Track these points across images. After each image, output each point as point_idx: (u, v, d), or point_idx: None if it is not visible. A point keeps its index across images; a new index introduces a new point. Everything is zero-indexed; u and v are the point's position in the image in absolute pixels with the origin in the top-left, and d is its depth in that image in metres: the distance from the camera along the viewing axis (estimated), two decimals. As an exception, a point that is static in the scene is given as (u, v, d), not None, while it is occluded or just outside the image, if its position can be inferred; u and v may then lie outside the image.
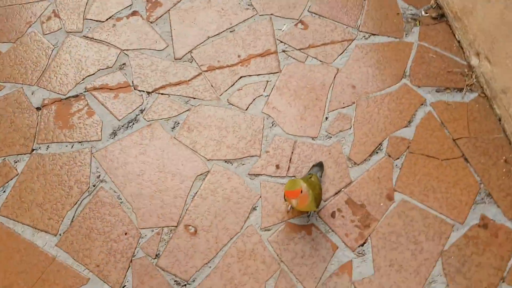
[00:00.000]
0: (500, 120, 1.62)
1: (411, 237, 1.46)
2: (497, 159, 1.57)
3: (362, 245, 1.46)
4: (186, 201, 1.56)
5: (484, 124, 1.63)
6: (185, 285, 1.43)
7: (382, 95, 1.72)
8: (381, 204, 1.52)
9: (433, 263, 1.42)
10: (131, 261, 1.47)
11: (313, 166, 1.54)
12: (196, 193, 1.57)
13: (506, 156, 1.57)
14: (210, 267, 1.45)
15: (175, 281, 1.44)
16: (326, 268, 1.43)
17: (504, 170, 1.54)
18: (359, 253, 1.45)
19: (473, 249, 1.43)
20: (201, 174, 1.60)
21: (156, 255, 1.48)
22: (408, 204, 1.51)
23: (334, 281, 1.41)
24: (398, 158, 1.60)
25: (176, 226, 1.52)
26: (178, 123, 1.70)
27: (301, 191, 1.25)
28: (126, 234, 1.51)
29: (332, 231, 1.49)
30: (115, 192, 1.57)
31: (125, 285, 1.43)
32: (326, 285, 1.40)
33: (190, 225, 1.51)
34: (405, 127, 1.66)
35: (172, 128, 1.69)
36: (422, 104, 1.68)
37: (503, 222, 1.46)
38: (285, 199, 1.42)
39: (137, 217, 1.53)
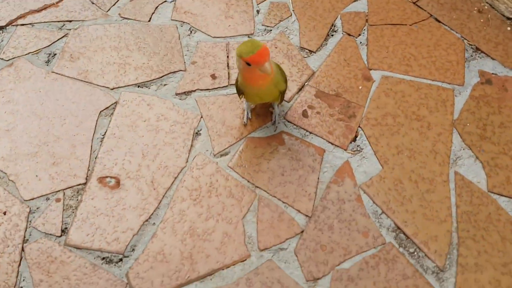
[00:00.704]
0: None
1: (411, 113, 1.09)
2: (469, 11, 1.28)
3: (354, 139, 1.06)
4: (92, 146, 1.02)
5: (439, -18, 1.36)
6: (121, 259, 0.89)
7: (316, -26, 1.36)
8: (360, 87, 1.13)
9: (448, 136, 1.06)
10: (22, 249, 0.89)
11: None
12: (105, 133, 1.04)
13: (478, 6, 1.29)
14: (154, 223, 0.93)
15: (102, 258, 0.89)
16: (318, 178, 0.99)
17: (481, 20, 1.26)
18: (354, 150, 1.04)
19: (487, 109, 1.10)
20: (106, 108, 1.08)
21: (63, 230, 0.92)
22: (391, 79, 1.15)
23: (334, 191, 0.98)
24: (360, 35, 1.24)
25: (84, 183, 0.97)
26: (54, 54, 1.16)
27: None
28: (5, 213, 0.93)
29: (310, 133, 1.06)
30: (-29, 158, 0.98)
31: (22, 287, 0.85)
32: (326, 199, 0.97)
33: (107, 177, 0.98)
34: (355, 1, 1.31)
35: (46, 62, 1.15)
36: (365, -24, 1.36)
37: (506, 73, 1.16)
38: (238, 91, 0.96)
39: (18, 186, 0.96)
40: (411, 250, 0.92)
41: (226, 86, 1.13)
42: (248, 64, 0.83)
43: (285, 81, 0.96)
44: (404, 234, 0.94)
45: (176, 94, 1.11)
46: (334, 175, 1.00)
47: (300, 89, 1.13)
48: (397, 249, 0.92)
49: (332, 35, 1.24)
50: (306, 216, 0.95)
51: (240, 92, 0.96)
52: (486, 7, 1.29)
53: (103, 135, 1.04)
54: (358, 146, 1.05)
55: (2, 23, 1.22)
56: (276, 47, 1.20)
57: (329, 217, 0.95)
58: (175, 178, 0.99)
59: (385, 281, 0.88)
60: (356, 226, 0.94)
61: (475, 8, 1.29)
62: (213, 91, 1.12)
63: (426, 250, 0.92)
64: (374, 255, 0.91)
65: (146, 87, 1.13)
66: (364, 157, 1.03)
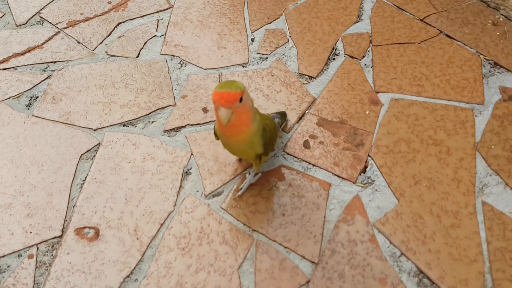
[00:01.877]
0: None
1: (427, 138, 0.97)
2: (482, 25, 1.17)
3: (364, 170, 0.93)
4: (70, 194, 0.92)
5: (446, -2, 1.26)
6: (97, 323, 0.76)
7: (313, -1, 1.28)
8: (367, 112, 1.02)
9: (472, 161, 0.93)
10: (-16, 316, 0.77)
11: (273, 113, 0.98)
12: (86, 178, 0.94)
13: (492, 19, 1.18)
14: (136, 279, 0.81)
15: (76, 323, 0.76)
16: (325, 217, 0.87)
17: (497, 33, 1.15)
18: (365, 182, 0.92)
19: (513, 127, 0.97)
20: (88, 151, 0.99)
21: (33, 291, 0.80)
22: (401, 101, 1.03)
23: (344, 231, 0.84)
24: (364, 56, 1.13)
25: (60, 236, 0.86)
26: (36, 96, 1.09)
27: (241, 99, 0.69)
28: (-32, 275, 0.82)
29: (314, 165, 0.94)
30: None
31: None
32: (335, 241, 0.83)
33: (85, 227, 0.87)
34: (356, 22, 1.21)
35: (27, 106, 1.08)
36: (365, -3, 1.28)
37: (530, 87, 1.03)
38: (215, 133, 0.83)
39: (-13, 242, 0.86)
40: (439, 298, 0.77)
41: (219, 119, 1.03)
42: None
43: (267, 146, 0.79)
44: (429, 278, 0.79)
45: (165, 131, 1.02)
46: (342, 212, 0.87)
47: (300, 118, 1.02)
48: (422, 298, 0.77)
49: (334, 59, 1.14)
50: (312, 262, 0.81)
51: (216, 135, 0.83)
52: (501, 19, 1.18)
53: (83, 181, 0.94)
54: (368, 177, 0.92)
55: (-16, 68, 1.16)
56: (272, 75, 1.10)
57: (339, 262, 0.81)
58: (161, 224, 0.87)
59: (410, 339, 0.73)
60: (371, 272, 0.80)
61: (489, 21, 1.18)
62: (204, 125, 1.02)
63: (457, 297, 0.77)
64: (394, 306, 0.76)
65: (132, 125, 1.03)
66: (376, 190, 0.90)
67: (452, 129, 0.98)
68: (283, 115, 0.99)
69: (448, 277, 0.79)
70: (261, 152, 0.79)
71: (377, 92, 1.06)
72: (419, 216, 0.86)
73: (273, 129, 0.84)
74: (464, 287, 0.78)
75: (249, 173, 0.90)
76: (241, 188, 0.89)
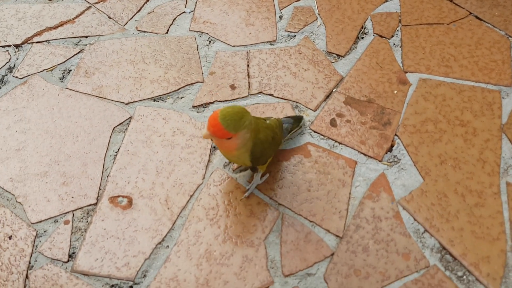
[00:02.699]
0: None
1: (453, 118, 0.97)
2: (514, 6, 1.16)
3: (390, 149, 0.95)
4: (104, 164, 0.96)
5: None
6: (131, 287, 0.81)
7: (342, -25, 1.28)
8: (395, 91, 1.02)
9: (497, 143, 0.93)
10: (26, 276, 0.82)
11: (287, 117, 0.96)
12: (119, 150, 0.97)
13: (524, -1, 1.16)
14: (168, 246, 0.84)
15: (111, 286, 0.81)
16: (350, 194, 0.89)
17: (529, 14, 1.13)
18: (391, 161, 0.93)
19: (541, 110, 0.97)
20: (120, 124, 1.02)
21: (70, 255, 0.84)
22: (429, 82, 1.04)
23: (369, 207, 0.86)
24: (393, 36, 1.13)
25: (95, 204, 0.90)
26: (70, 70, 1.12)
27: (230, 138, 0.73)
28: (10, 237, 0.87)
29: (340, 143, 0.96)
30: (-20, 180, 0.94)
31: (21, 319, 0.78)
32: (360, 216, 0.85)
33: (119, 196, 0.91)
34: (386, 1, 1.21)
35: (60, 79, 1.11)
36: (395, -25, 1.26)
37: (561, 70, 1.02)
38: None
39: (26, 208, 0.90)
40: (459, 273, 0.79)
41: (247, 96, 1.05)
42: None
43: (256, 159, 0.79)
44: (451, 255, 0.81)
45: (193, 107, 1.04)
46: (368, 189, 0.89)
47: (327, 96, 1.03)
48: (443, 272, 0.79)
49: (362, 38, 1.14)
50: (337, 236, 0.84)
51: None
52: (533, 0, 1.16)
53: (116, 152, 0.98)
54: (395, 156, 0.94)
55: (18, 41, 1.19)
56: (300, 53, 1.11)
57: (364, 237, 0.83)
58: (191, 196, 0.90)
59: (432, 311, 0.75)
60: (395, 247, 0.82)
61: (522, 2, 1.16)
62: (232, 102, 1.04)
63: (477, 273, 0.79)
64: (416, 280, 0.78)
65: (162, 100, 1.06)
66: (402, 168, 0.92)
67: (478, 111, 0.98)
68: (297, 119, 0.96)
69: (470, 254, 0.81)
70: (250, 165, 0.80)
71: (406, 72, 1.06)
72: (443, 195, 0.87)
73: (268, 141, 0.80)
74: (485, 264, 0.80)
75: (257, 174, 0.90)
76: (248, 189, 0.89)
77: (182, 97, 1.07)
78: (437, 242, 0.82)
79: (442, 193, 0.87)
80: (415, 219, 0.85)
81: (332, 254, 0.82)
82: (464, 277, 0.79)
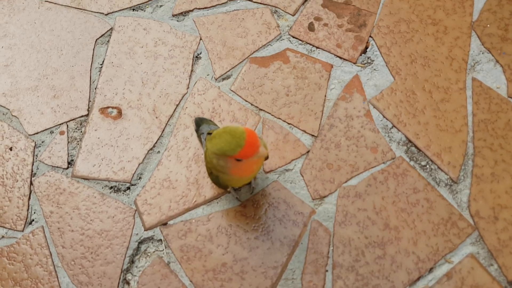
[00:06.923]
0: None
1: (426, 18, 1.00)
2: None
3: (365, 51, 0.99)
4: (91, 77, 0.99)
5: None
6: (128, 187, 0.90)
7: None
8: (370, -8, 1.04)
9: (466, 40, 0.98)
10: (31, 183, 0.90)
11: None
12: (103, 62, 1.01)
13: None
14: (159, 151, 0.92)
15: (110, 187, 0.90)
16: (325, 96, 0.95)
17: None
18: (365, 62, 0.98)
19: (510, 7, 1.00)
20: (102, 35, 1.04)
21: (69, 162, 0.92)
22: (405, -19, 1.04)
23: (342, 108, 0.93)
24: None
25: (87, 115, 0.96)
26: (45, -19, 1.10)
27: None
28: (11, 149, 0.94)
29: (317, 48, 0.99)
30: (-27, 95, 0.98)
31: (33, 219, 0.88)
32: (333, 117, 0.92)
33: (108, 107, 0.96)
34: None
35: (38, -9, 1.10)
36: None
37: (536, -37, 1.03)
38: (221, 186, 0.77)
39: (22, 121, 0.96)
40: (423, 163, 0.89)
41: (226, 2, 1.06)
42: (238, 160, 0.65)
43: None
44: (416, 147, 0.90)
45: (173, 15, 1.06)
46: (342, 91, 0.95)
47: (305, 0, 1.05)
48: (408, 162, 0.88)
49: None
50: (312, 135, 0.92)
51: (225, 187, 0.77)
52: None
53: (101, 65, 1.01)
54: (368, 58, 0.98)
55: (-12, -47, 1.16)
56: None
57: (336, 135, 0.91)
58: (177, 105, 0.96)
59: (395, 195, 0.86)
60: (364, 142, 0.90)
61: None
62: (211, 9, 1.06)
63: (439, 162, 0.88)
64: (383, 170, 0.88)
65: (141, 10, 1.07)
66: (374, 69, 0.97)
67: (451, 9, 1.01)
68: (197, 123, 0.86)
69: (433, 145, 0.89)
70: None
71: (381, -29, 1.06)
72: (412, 92, 0.94)
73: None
74: (447, 154, 0.89)
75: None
76: (254, 188, 0.88)
77: (161, 5, 1.07)
78: (403, 136, 0.91)
79: (410, 90, 0.94)
80: (384, 116, 0.92)
81: (308, 152, 0.90)
82: (427, 166, 0.89)
